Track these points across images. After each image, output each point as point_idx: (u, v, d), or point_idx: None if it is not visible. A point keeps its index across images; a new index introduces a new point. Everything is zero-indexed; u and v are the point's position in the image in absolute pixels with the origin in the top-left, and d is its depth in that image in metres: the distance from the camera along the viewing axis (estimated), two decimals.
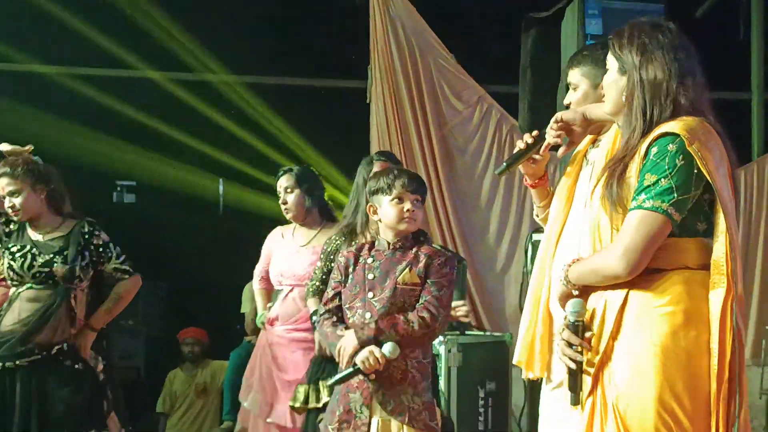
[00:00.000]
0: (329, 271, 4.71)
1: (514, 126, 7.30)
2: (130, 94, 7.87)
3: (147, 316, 7.70)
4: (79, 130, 7.42)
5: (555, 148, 3.23)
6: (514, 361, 3.12)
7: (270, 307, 5.40)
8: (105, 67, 7.93)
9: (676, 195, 2.61)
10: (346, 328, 3.85)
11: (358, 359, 3.73)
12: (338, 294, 3.94)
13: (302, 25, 7.89)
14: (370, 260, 3.90)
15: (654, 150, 2.67)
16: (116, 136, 7.58)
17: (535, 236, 5.54)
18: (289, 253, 5.34)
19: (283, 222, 5.49)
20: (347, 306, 3.89)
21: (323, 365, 4.66)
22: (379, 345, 3.72)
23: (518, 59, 5.86)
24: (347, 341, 3.77)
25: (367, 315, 3.79)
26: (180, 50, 7.87)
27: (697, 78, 2.80)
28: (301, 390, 4.67)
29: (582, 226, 3.00)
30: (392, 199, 3.86)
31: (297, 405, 4.67)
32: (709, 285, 2.64)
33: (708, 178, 2.62)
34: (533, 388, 5.51)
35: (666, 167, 2.63)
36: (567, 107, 3.43)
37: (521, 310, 5.71)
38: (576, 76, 3.42)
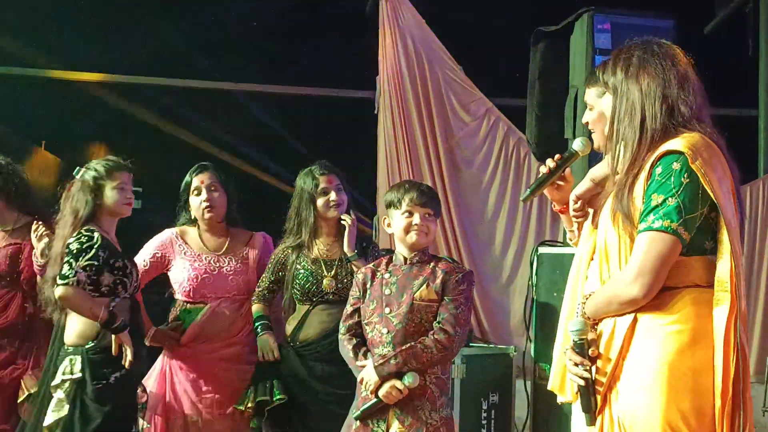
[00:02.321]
0: (276, 280, 4.78)
1: (521, 139, 7.31)
2: (137, 100, 7.88)
3: (153, 322, 7.71)
4: (85, 134, 7.43)
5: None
6: (549, 387, 3.09)
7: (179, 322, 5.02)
8: (112, 72, 7.93)
9: (684, 214, 2.59)
10: (366, 348, 3.91)
11: (381, 393, 3.77)
12: (357, 310, 3.99)
13: (311, 34, 7.90)
14: (387, 275, 3.93)
15: (658, 170, 2.65)
16: (122, 141, 7.59)
17: (541, 249, 5.54)
18: (206, 264, 5.02)
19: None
20: (365, 321, 3.92)
21: (265, 368, 4.68)
22: (400, 376, 3.75)
23: (527, 73, 5.86)
24: (369, 375, 3.81)
25: (384, 330, 3.82)
26: (188, 57, 7.88)
27: (698, 88, 2.78)
28: (246, 393, 4.68)
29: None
30: (402, 213, 3.90)
31: (241, 407, 4.67)
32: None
33: (711, 195, 2.60)
34: (536, 401, 5.51)
35: (672, 186, 2.61)
36: (586, 125, 3.43)
37: (526, 322, 5.75)
38: (591, 96, 3.40)
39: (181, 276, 5.03)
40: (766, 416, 6.27)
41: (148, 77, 7.99)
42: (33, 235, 5.02)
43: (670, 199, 2.60)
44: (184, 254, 5.06)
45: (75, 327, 4.49)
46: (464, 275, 3.90)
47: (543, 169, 3.24)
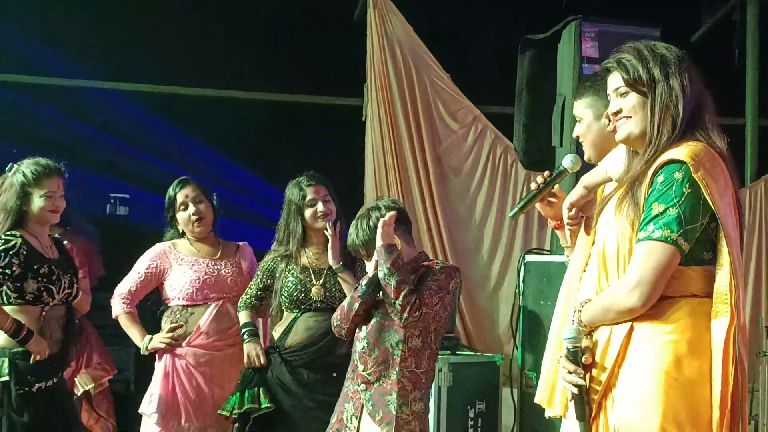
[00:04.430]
0: (264, 288, 4.81)
1: (508, 147, 7.33)
2: (124, 107, 7.86)
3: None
4: (72, 141, 7.41)
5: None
6: (536, 400, 3.07)
7: (174, 326, 4.99)
8: (97, 79, 7.91)
9: (684, 224, 2.57)
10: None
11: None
12: None
13: (298, 41, 7.89)
14: None
15: (660, 178, 2.63)
16: (110, 148, 7.57)
17: (528, 257, 5.55)
18: (205, 267, 5.06)
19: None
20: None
21: (252, 375, 4.68)
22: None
23: (514, 80, 5.87)
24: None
25: (364, 326, 3.92)
26: (176, 64, 7.87)
27: (711, 96, 2.78)
28: (232, 399, 4.67)
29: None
30: None
31: (225, 413, 4.67)
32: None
33: (712, 206, 2.58)
34: (523, 409, 5.51)
35: (673, 196, 2.59)
36: (576, 139, 3.43)
37: (513, 330, 5.76)
38: (579, 108, 3.40)
39: (181, 280, 5.03)
40: (751, 425, 6.28)
41: (136, 84, 7.97)
42: None
43: (671, 209, 2.58)
44: (181, 260, 5.07)
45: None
46: (444, 267, 3.97)
47: (532, 186, 3.25)
